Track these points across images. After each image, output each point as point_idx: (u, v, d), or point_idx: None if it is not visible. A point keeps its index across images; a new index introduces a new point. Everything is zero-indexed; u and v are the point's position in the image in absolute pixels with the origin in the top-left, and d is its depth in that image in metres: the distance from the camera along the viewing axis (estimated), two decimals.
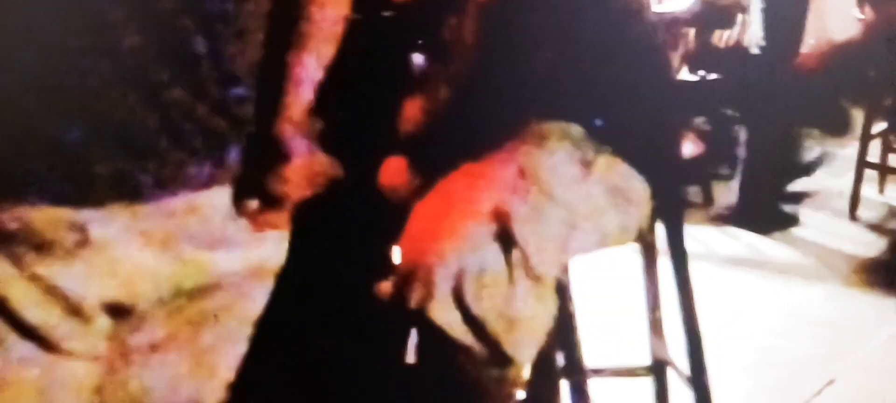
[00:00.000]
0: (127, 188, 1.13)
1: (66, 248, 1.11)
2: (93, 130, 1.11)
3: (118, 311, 1.15)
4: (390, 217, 1.69)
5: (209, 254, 1.19)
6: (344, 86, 1.65)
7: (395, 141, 1.71)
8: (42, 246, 1.10)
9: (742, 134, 3.81)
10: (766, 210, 3.74)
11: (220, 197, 1.20)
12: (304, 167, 1.27)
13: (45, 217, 1.10)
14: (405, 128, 1.71)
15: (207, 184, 1.18)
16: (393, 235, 1.70)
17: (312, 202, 1.47)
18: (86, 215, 1.11)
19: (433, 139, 1.70)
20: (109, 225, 1.12)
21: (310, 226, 1.59)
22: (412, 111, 1.71)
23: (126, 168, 1.13)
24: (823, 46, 3.65)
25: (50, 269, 1.11)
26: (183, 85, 1.15)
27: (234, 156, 1.21)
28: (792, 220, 3.75)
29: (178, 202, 1.15)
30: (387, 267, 1.75)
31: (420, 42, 1.81)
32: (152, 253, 1.15)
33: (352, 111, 1.68)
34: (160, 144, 1.14)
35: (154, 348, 1.18)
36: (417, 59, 1.82)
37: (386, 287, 1.65)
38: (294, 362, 1.73)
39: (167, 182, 1.15)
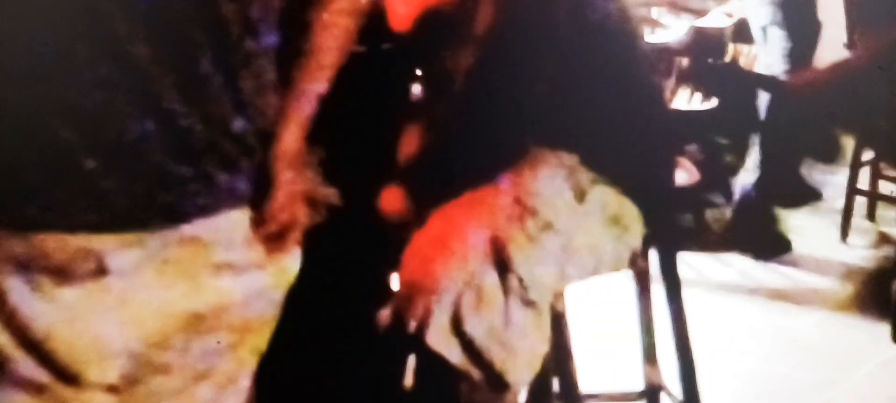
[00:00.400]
0: (141, 215, 1.15)
1: (83, 277, 1.12)
2: (108, 158, 1.13)
3: (132, 342, 1.17)
4: (389, 244, 1.71)
5: (218, 280, 1.21)
6: (345, 116, 1.68)
7: (395, 169, 1.74)
8: (60, 274, 1.12)
9: (743, 159, 3.84)
10: (761, 234, 3.76)
11: (230, 221, 1.22)
12: (291, 198, 1.29)
13: (62, 245, 1.12)
14: (404, 157, 1.73)
15: (220, 208, 1.20)
16: (392, 262, 1.72)
17: (313, 229, 1.49)
18: (103, 243, 1.13)
19: (432, 168, 1.72)
20: (125, 253, 1.14)
21: (310, 253, 1.61)
22: (411, 140, 1.73)
23: (141, 195, 1.15)
24: (814, 71, 3.70)
25: (70, 299, 1.12)
26: (196, 114, 1.17)
27: (245, 182, 1.23)
28: (785, 245, 3.78)
29: (192, 228, 1.17)
30: (386, 294, 1.77)
31: (419, 73, 1.84)
32: (167, 280, 1.17)
33: (352, 140, 1.70)
34: (174, 171, 1.16)
35: (163, 371, 1.20)
36: (416, 89, 1.85)
37: (385, 313, 1.68)
38: (295, 385, 1.75)
39: (181, 208, 1.17)
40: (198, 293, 1.19)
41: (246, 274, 1.24)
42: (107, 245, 1.13)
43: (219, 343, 1.25)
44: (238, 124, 1.21)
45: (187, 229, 1.17)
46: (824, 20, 3.84)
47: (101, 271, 1.13)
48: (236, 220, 1.23)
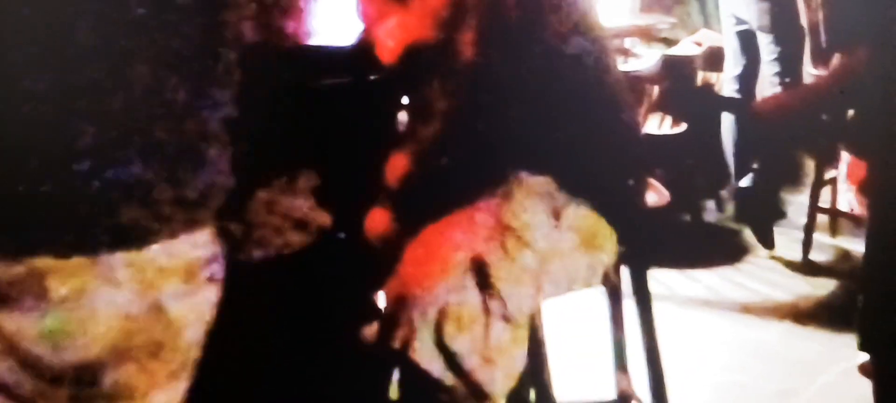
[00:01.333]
0: (90, 240, 1.12)
1: (30, 302, 1.09)
2: (57, 180, 1.10)
3: (84, 368, 1.14)
4: (376, 264, 1.77)
5: (169, 303, 1.19)
6: (335, 143, 1.76)
7: (382, 193, 1.78)
8: (6, 300, 1.09)
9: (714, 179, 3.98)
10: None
11: (183, 245, 1.21)
12: None
13: (7, 271, 1.09)
14: (391, 182, 1.77)
15: (175, 233, 1.19)
16: (378, 281, 1.79)
17: (304, 249, 1.57)
18: (49, 266, 1.10)
19: (416, 191, 1.77)
20: (73, 278, 1.11)
21: (301, 272, 1.69)
22: (397, 165, 1.77)
23: (90, 219, 1.12)
24: (781, 95, 3.80)
25: (17, 325, 1.10)
26: (153, 138, 1.15)
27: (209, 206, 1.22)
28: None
29: (147, 254, 1.16)
30: (372, 311, 1.84)
31: (405, 102, 1.90)
32: (121, 305, 1.14)
33: (342, 166, 1.77)
34: (127, 195, 1.14)
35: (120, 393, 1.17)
36: (402, 117, 1.91)
37: (372, 329, 1.75)
38: (284, 400, 1.81)
39: (138, 233, 1.15)
40: (148, 317, 1.16)
41: (197, 297, 1.23)
42: (53, 268, 1.09)
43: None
44: (199, 148, 1.19)
45: (140, 253, 1.15)
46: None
47: (43, 295, 1.09)
48: (189, 244, 1.20)
